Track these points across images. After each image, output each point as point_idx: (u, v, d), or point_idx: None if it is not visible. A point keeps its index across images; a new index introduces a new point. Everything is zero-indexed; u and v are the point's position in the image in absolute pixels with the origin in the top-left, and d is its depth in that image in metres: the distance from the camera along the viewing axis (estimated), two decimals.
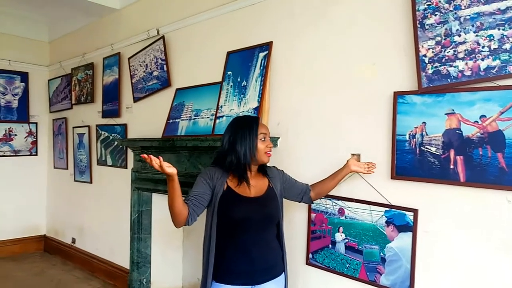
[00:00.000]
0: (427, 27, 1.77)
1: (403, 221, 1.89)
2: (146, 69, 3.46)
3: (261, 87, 2.46)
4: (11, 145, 4.82)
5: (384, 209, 1.96)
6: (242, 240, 1.72)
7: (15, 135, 4.85)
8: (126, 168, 3.69)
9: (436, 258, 1.79)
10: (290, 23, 2.41)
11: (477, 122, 1.65)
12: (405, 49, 1.89)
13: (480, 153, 1.64)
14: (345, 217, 2.11)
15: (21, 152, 4.90)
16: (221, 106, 2.70)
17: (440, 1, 1.73)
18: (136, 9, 3.70)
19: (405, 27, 1.89)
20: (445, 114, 1.73)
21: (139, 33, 3.55)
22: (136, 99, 3.60)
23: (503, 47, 1.57)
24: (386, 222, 1.95)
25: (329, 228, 2.18)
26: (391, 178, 1.92)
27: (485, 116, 1.63)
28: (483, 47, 1.62)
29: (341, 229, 2.13)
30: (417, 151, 1.82)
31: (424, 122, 1.80)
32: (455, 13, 1.69)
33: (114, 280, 3.88)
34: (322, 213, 2.20)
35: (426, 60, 1.77)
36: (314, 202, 2.08)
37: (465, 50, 1.66)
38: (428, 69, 1.77)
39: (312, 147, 2.27)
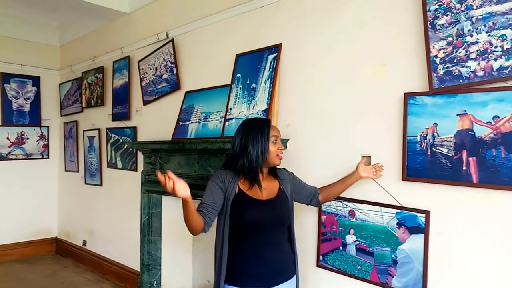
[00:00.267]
0: (438, 27, 1.76)
1: (414, 222, 1.87)
2: (155, 72, 3.49)
3: (270, 89, 2.46)
4: (23, 149, 4.89)
5: (395, 210, 1.94)
6: (254, 242, 1.72)
7: (27, 138, 4.92)
8: (136, 170, 3.72)
9: (449, 260, 1.78)
10: (299, 25, 2.41)
11: (490, 122, 1.63)
12: (415, 50, 1.88)
13: (494, 154, 1.62)
14: (356, 219, 2.10)
15: (33, 155, 4.97)
16: (231, 109, 2.70)
17: (451, 1, 1.72)
18: (145, 13, 3.73)
19: (415, 28, 1.88)
20: (457, 115, 1.72)
21: (149, 37, 3.58)
22: (146, 102, 3.63)
23: None
24: (397, 224, 1.93)
25: (340, 230, 2.17)
26: (402, 180, 1.91)
27: (498, 117, 1.61)
28: (495, 47, 1.60)
29: (351, 231, 2.12)
30: (429, 152, 1.81)
31: (435, 123, 1.79)
32: (467, 13, 1.68)
33: (125, 282, 3.90)
34: (333, 215, 2.20)
35: (437, 60, 1.76)
36: (321, 205, 2.09)
37: (477, 50, 1.65)
38: (440, 69, 1.75)
39: (322, 149, 2.26)
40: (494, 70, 1.61)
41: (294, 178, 1.99)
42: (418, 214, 1.85)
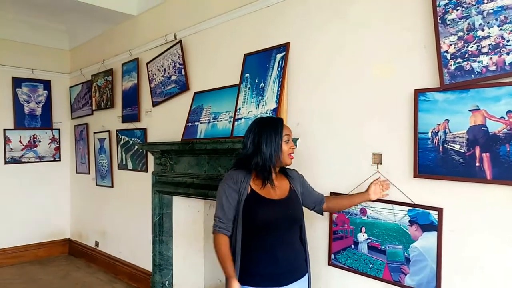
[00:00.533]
0: (448, 22, 1.74)
1: (427, 220, 1.85)
2: (164, 74, 3.51)
3: (279, 88, 2.46)
4: (35, 152, 4.96)
5: (407, 208, 1.93)
6: (267, 242, 1.72)
7: (39, 141, 4.99)
8: (147, 171, 3.75)
9: (463, 257, 1.76)
10: (307, 24, 2.40)
11: (504, 118, 1.61)
12: (425, 45, 1.86)
13: (507, 149, 1.60)
14: (367, 217, 2.09)
15: (45, 158, 5.04)
16: (239, 108, 2.71)
17: None
18: (153, 15, 3.76)
19: (425, 23, 1.86)
20: (469, 110, 1.70)
21: (157, 38, 3.61)
22: (155, 104, 3.65)
23: None
24: (410, 221, 1.92)
25: (351, 228, 2.16)
26: (414, 177, 1.89)
27: (511, 112, 1.59)
28: (508, 41, 1.58)
29: (363, 229, 2.10)
30: (440, 149, 1.79)
31: (447, 120, 1.77)
32: (478, 7, 1.66)
33: (137, 282, 3.93)
34: (344, 213, 2.19)
35: (448, 56, 1.74)
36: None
37: (489, 44, 1.62)
38: (451, 65, 1.73)
39: (332, 147, 2.25)
40: (507, 64, 1.58)
41: (304, 181, 1.98)
42: (431, 212, 1.84)
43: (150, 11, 3.78)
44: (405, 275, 1.93)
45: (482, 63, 1.65)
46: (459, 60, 1.71)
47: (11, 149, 4.77)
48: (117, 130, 4.21)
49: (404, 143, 1.94)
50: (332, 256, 2.24)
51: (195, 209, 3.55)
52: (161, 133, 3.60)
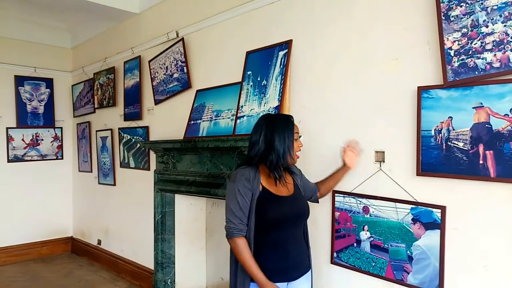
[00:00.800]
0: (452, 18, 1.73)
1: (430, 218, 1.84)
2: (166, 72, 3.51)
3: (282, 86, 2.45)
4: (38, 150, 4.97)
5: (410, 206, 1.92)
6: (279, 238, 1.74)
7: (42, 140, 5.00)
8: (149, 170, 3.75)
9: (467, 256, 1.74)
10: (310, 21, 2.39)
11: (508, 115, 1.59)
12: (429, 42, 1.84)
13: (511, 147, 1.58)
14: (370, 215, 2.08)
15: (47, 156, 5.05)
16: (242, 106, 2.70)
17: None
18: (155, 13, 3.75)
19: (428, 20, 1.85)
20: (473, 108, 1.68)
21: (159, 36, 3.60)
22: (157, 102, 3.65)
23: None
24: (413, 219, 1.91)
25: (354, 226, 2.15)
26: (417, 175, 1.88)
27: None
28: None
29: (366, 227, 2.10)
30: (444, 147, 1.78)
31: (450, 117, 1.76)
32: (482, 3, 1.64)
33: (140, 280, 3.94)
34: (346, 211, 2.18)
35: (452, 53, 1.73)
36: (335, 202, 2.12)
37: (493, 41, 1.61)
38: (454, 62, 1.72)
39: (335, 145, 2.24)
40: (511, 61, 1.57)
41: (302, 175, 2.02)
42: (434, 210, 1.83)
43: (152, 9, 3.78)
44: (408, 273, 1.92)
45: (486, 59, 1.63)
46: (463, 56, 1.69)
47: (14, 147, 4.78)
48: (119, 128, 4.21)
49: (407, 140, 1.93)
50: (335, 254, 2.23)
51: (197, 207, 3.55)
52: (163, 131, 3.59)
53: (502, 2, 1.59)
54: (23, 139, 4.85)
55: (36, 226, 4.95)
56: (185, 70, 3.29)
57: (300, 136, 2.35)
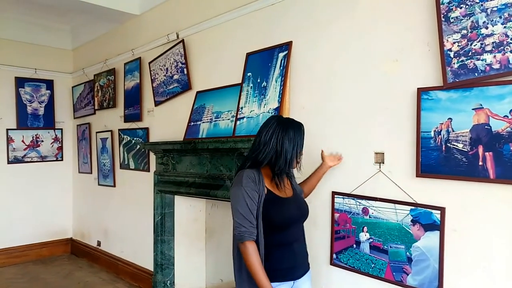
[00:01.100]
0: (452, 20, 1.73)
1: (429, 219, 1.84)
2: (166, 73, 3.51)
3: (282, 87, 2.45)
4: (38, 151, 4.97)
5: (409, 207, 1.91)
6: (286, 238, 1.75)
7: (42, 141, 5.00)
8: (149, 171, 3.75)
9: (466, 257, 1.74)
10: (310, 22, 2.39)
11: (507, 116, 1.59)
12: (429, 44, 1.85)
13: (511, 148, 1.58)
14: (369, 217, 2.07)
15: (47, 158, 5.05)
16: (242, 108, 2.70)
17: None
18: (155, 14, 3.76)
19: (428, 21, 1.85)
20: (473, 109, 1.68)
21: (159, 38, 3.61)
22: (157, 103, 3.65)
23: None
24: (412, 221, 1.90)
25: (353, 228, 2.15)
26: (416, 176, 1.88)
27: None
28: None
29: (365, 228, 2.09)
30: (443, 148, 1.78)
31: (450, 118, 1.76)
32: (481, 4, 1.64)
33: (139, 282, 3.93)
34: (346, 213, 2.18)
35: (452, 54, 1.73)
36: (334, 203, 2.13)
37: (493, 42, 1.61)
38: (454, 63, 1.72)
39: (334, 146, 2.24)
40: (511, 62, 1.57)
41: (294, 176, 2.03)
42: (433, 211, 1.82)
43: (153, 10, 3.78)
44: (407, 275, 1.92)
45: (485, 61, 1.63)
46: (463, 58, 1.69)
47: (14, 148, 4.78)
48: (119, 130, 4.21)
49: (406, 142, 1.93)
50: (334, 256, 2.23)
51: (197, 208, 3.55)
52: (163, 133, 3.59)
53: (502, 3, 1.59)
54: (23, 141, 4.85)
55: (35, 228, 4.95)
56: (185, 72, 3.30)
57: None
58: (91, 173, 4.81)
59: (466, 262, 1.74)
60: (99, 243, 4.67)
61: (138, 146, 3.90)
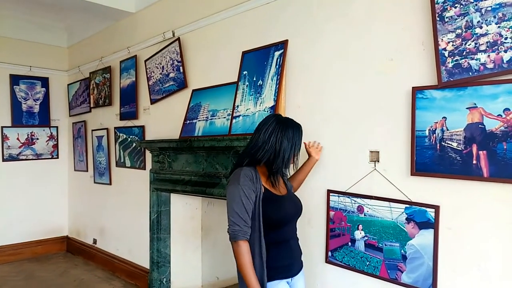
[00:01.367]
0: (446, 19, 1.74)
1: (424, 217, 1.86)
2: (162, 71, 3.50)
3: (277, 86, 2.46)
4: (33, 149, 4.95)
5: (404, 206, 1.93)
6: (283, 236, 1.77)
7: (37, 139, 4.98)
8: (145, 169, 3.74)
9: (460, 255, 1.76)
10: (306, 21, 2.40)
11: (501, 115, 1.61)
12: (424, 43, 1.86)
13: (505, 147, 1.60)
14: (365, 215, 2.09)
15: (43, 156, 5.03)
16: (238, 106, 2.70)
17: None
18: (151, 12, 3.74)
19: (423, 21, 1.86)
20: (467, 108, 1.70)
21: (155, 36, 3.60)
22: (153, 101, 3.64)
23: None
24: (407, 219, 1.92)
25: (348, 226, 2.16)
26: (411, 175, 1.89)
27: (509, 110, 1.59)
28: (505, 38, 1.57)
29: (360, 226, 2.11)
30: (438, 147, 1.79)
31: (444, 117, 1.77)
32: (476, 4, 1.65)
33: (135, 280, 3.93)
34: (341, 211, 2.19)
35: (446, 53, 1.74)
36: (330, 201, 2.13)
37: (487, 42, 1.62)
38: (448, 62, 1.73)
39: (330, 145, 2.25)
40: (505, 62, 1.58)
41: (286, 174, 2.02)
42: (428, 209, 1.84)
43: (148, 8, 3.77)
44: (402, 272, 1.94)
45: (480, 60, 1.64)
46: (457, 57, 1.71)
47: (9, 146, 4.76)
48: (115, 128, 4.20)
49: (401, 140, 1.94)
50: (329, 253, 2.24)
51: (192, 206, 3.55)
52: (159, 131, 3.59)
53: (496, 3, 1.60)
54: (18, 138, 4.82)
55: (31, 225, 4.93)
56: (181, 70, 3.29)
57: None
58: (87, 171, 4.80)
59: (460, 260, 1.76)
60: (95, 241, 4.66)
61: (134, 144, 3.89)
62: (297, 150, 1.76)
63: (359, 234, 2.11)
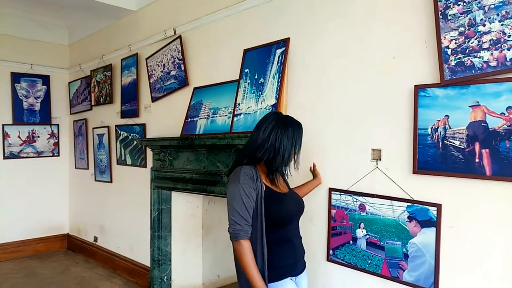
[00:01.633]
0: (449, 17, 1.73)
1: (426, 216, 1.85)
2: (163, 69, 3.50)
3: (279, 84, 2.45)
4: (34, 147, 4.95)
5: (406, 204, 1.92)
6: (287, 234, 1.76)
7: (38, 137, 4.98)
8: (146, 167, 3.74)
9: (462, 254, 1.75)
10: (308, 19, 2.39)
11: (504, 113, 1.60)
12: (426, 41, 1.85)
13: (507, 145, 1.59)
14: (366, 213, 2.08)
15: (44, 153, 5.03)
16: (239, 104, 2.70)
17: None
18: (152, 10, 3.74)
19: (426, 19, 1.85)
20: (470, 106, 1.69)
21: (156, 34, 3.59)
22: (154, 99, 3.64)
23: None
24: (409, 217, 1.91)
25: (350, 224, 2.16)
26: (413, 173, 1.89)
27: None
28: (509, 36, 1.57)
29: (362, 225, 2.10)
30: (440, 145, 1.78)
31: (447, 115, 1.76)
32: (479, 2, 1.64)
33: (136, 277, 3.94)
34: (343, 209, 2.18)
35: (449, 51, 1.73)
36: (331, 199, 2.14)
37: (490, 40, 1.62)
38: (451, 60, 1.72)
39: (331, 143, 2.25)
40: (508, 60, 1.58)
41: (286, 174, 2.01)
42: (430, 208, 1.83)
43: (150, 6, 3.76)
44: (404, 271, 1.93)
45: (482, 58, 1.64)
46: (460, 55, 1.70)
47: (10, 144, 4.76)
48: (116, 126, 4.20)
49: (403, 139, 1.94)
50: (331, 252, 2.24)
51: (193, 204, 3.55)
52: (160, 129, 3.59)
53: (499, 1, 1.59)
54: (19, 136, 4.82)
55: (32, 223, 4.93)
56: (183, 68, 3.29)
57: None
58: (87, 168, 4.80)
59: (462, 258, 1.75)
60: (95, 239, 4.67)
61: (135, 142, 3.89)
62: (297, 148, 1.75)
63: (360, 232, 2.11)
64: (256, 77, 2.63)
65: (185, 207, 3.52)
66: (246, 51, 2.75)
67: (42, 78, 4.99)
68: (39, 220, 4.99)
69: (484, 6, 1.63)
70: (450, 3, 1.73)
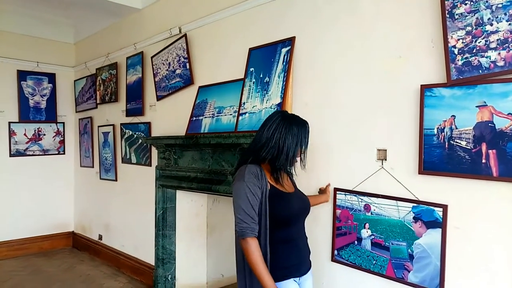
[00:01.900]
0: (456, 17, 1.72)
1: (431, 217, 1.84)
2: (169, 68, 3.50)
3: (284, 83, 2.45)
4: (40, 145, 4.98)
5: (411, 204, 1.91)
6: (290, 235, 1.75)
7: (44, 135, 5.01)
8: (150, 165, 3.75)
9: (468, 255, 1.74)
10: (314, 18, 2.38)
11: (511, 114, 1.59)
12: (433, 40, 1.84)
13: None
14: (371, 213, 2.08)
15: (49, 151, 5.06)
16: (244, 103, 2.70)
17: None
18: (158, 8, 3.74)
19: (433, 18, 1.84)
20: (476, 106, 1.68)
21: (162, 32, 3.59)
22: (159, 98, 3.64)
23: None
24: (414, 218, 1.90)
25: (355, 224, 2.15)
26: (419, 173, 1.88)
27: None
28: None
29: (367, 225, 2.09)
30: (446, 146, 1.77)
31: (453, 116, 1.75)
32: (487, 1, 1.63)
33: (140, 276, 3.95)
34: (348, 209, 2.18)
35: (456, 51, 1.72)
36: (336, 199, 2.13)
37: (497, 39, 1.60)
38: (458, 60, 1.71)
39: (337, 142, 2.24)
40: None
41: (292, 174, 2.01)
42: (435, 208, 1.82)
43: (155, 4, 3.77)
44: (409, 271, 1.92)
45: (490, 58, 1.62)
46: (467, 55, 1.68)
47: (16, 142, 4.79)
48: (121, 124, 4.21)
49: (409, 139, 1.93)
50: (336, 252, 2.23)
51: (198, 203, 3.56)
52: (165, 127, 3.59)
53: (507, 0, 1.58)
54: (25, 134, 4.86)
55: (37, 221, 4.97)
56: (188, 66, 3.29)
57: None
58: (92, 167, 4.82)
59: (468, 259, 1.74)
60: (100, 237, 4.69)
61: (140, 141, 3.90)
62: (303, 147, 1.74)
63: (365, 232, 2.10)
64: (261, 76, 2.63)
65: (190, 206, 3.53)
66: (251, 50, 2.74)
67: (48, 76, 5.02)
68: (44, 217, 5.03)
69: (492, 6, 1.62)
70: (457, 2, 1.71)
